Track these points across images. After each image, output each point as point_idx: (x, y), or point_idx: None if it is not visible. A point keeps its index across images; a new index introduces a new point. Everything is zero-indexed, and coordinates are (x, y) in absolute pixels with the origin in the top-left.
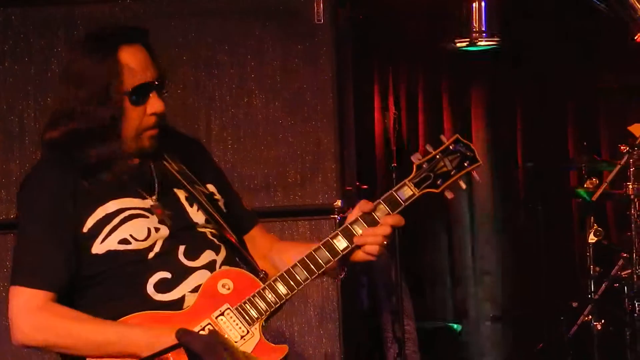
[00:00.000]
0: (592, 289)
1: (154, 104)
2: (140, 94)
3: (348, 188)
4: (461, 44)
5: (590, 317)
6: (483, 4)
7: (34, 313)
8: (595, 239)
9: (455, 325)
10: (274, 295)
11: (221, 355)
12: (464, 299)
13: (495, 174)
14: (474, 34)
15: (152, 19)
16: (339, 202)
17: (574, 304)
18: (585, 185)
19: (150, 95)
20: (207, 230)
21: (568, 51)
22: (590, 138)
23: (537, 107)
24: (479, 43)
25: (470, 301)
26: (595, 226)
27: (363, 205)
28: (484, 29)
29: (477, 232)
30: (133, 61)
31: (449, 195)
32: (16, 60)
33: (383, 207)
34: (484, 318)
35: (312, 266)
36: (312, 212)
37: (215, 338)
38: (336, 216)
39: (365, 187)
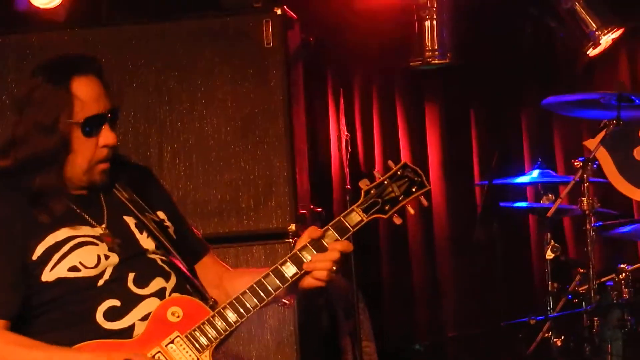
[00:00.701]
0: (551, 305)
1: (107, 136)
2: (92, 126)
3: (302, 211)
4: (415, 62)
5: (549, 333)
6: (435, 22)
7: None
8: (553, 255)
9: (416, 346)
10: (223, 323)
11: None
12: (423, 318)
13: (451, 190)
14: (427, 53)
15: (102, 46)
16: (293, 226)
17: (532, 321)
18: (541, 201)
19: (103, 127)
20: (157, 257)
21: (519, 66)
22: (545, 153)
23: (491, 123)
24: (433, 62)
25: (429, 320)
26: (552, 242)
27: (312, 232)
28: (436, 47)
29: (435, 250)
30: (85, 92)
31: (397, 220)
32: None
33: (332, 233)
34: (443, 337)
35: (262, 293)
36: (267, 236)
37: None
38: (291, 240)
39: (319, 210)
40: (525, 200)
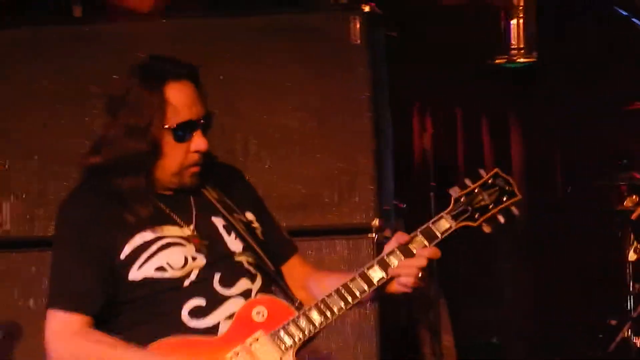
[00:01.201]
0: (632, 306)
1: (198, 142)
2: (184, 131)
3: (386, 207)
4: (500, 60)
5: (629, 333)
6: (521, 21)
7: (69, 338)
8: (636, 256)
9: (494, 339)
10: (308, 324)
11: None
12: (500, 313)
13: (533, 191)
14: (512, 51)
15: (187, 38)
16: (376, 221)
17: (613, 322)
18: (625, 203)
19: (195, 133)
20: (243, 259)
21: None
22: (630, 155)
23: (574, 125)
24: (518, 60)
25: (506, 316)
26: (636, 243)
27: (400, 237)
28: (522, 45)
29: (514, 249)
30: (179, 98)
31: (486, 229)
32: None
33: (420, 239)
34: (522, 335)
35: (348, 296)
36: (350, 231)
37: None
38: (374, 235)
39: (402, 205)
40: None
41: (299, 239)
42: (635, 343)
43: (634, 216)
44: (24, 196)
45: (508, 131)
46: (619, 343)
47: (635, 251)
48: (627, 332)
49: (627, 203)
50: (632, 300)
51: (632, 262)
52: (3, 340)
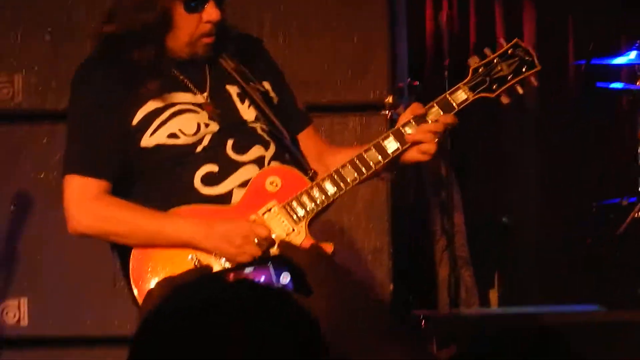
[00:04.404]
0: None
1: (210, 12)
2: (196, 1)
3: (399, 84)
4: None
5: None
6: None
7: (90, 201)
8: None
9: (503, 219)
10: (321, 195)
11: (326, 272)
12: (512, 193)
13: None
14: None
15: None
16: (390, 98)
17: (624, 202)
18: (637, 83)
19: (207, 3)
20: (257, 126)
21: None
22: None
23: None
24: None
25: (518, 196)
26: None
27: (415, 108)
28: None
29: (525, 129)
30: None
31: (504, 100)
32: None
33: (436, 110)
34: (532, 212)
35: (362, 167)
36: (363, 107)
37: (321, 253)
38: (387, 112)
39: (416, 83)
40: (619, 80)
41: (312, 115)
42: None
43: None
44: (36, 68)
45: (521, 8)
46: (629, 223)
47: None
48: (638, 213)
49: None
50: None
51: None
52: (14, 213)
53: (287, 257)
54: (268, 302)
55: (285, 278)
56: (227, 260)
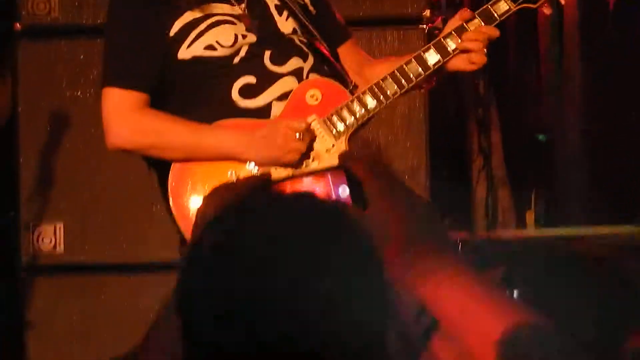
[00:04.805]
0: None
1: None
2: None
3: None
4: None
5: None
6: None
7: (130, 114)
8: None
9: (540, 136)
10: (362, 108)
11: (384, 184)
12: (551, 109)
13: None
14: None
15: None
16: (427, 12)
17: None
18: None
19: None
20: (295, 38)
21: None
22: None
23: None
24: None
25: (557, 112)
26: None
27: (456, 21)
28: None
29: (565, 45)
30: None
31: (547, 10)
32: None
33: (477, 22)
34: (571, 130)
35: (402, 79)
36: (401, 21)
37: (379, 164)
38: (425, 26)
39: None
40: None
41: (350, 28)
42: None
43: None
44: None
45: None
46: None
47: None
48: None
49: None
50: None
51: None
52: (51, 132)
53: (345, 168)
54: (334, 223)
55: (344, 191)
56: (275, 166)
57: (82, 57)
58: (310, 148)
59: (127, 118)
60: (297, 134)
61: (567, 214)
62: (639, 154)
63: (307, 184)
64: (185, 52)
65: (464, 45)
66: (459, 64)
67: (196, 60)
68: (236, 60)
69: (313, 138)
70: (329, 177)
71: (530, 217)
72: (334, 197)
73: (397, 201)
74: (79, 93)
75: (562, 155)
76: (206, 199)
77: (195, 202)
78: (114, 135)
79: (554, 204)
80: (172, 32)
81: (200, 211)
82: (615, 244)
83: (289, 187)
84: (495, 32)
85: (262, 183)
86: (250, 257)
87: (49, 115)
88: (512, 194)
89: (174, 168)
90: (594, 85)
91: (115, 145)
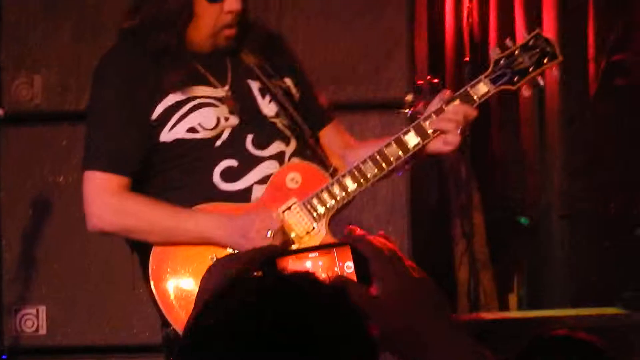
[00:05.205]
0: None
1: (231, 2)
2: None
3: (419, 82)
4: None
5: None
6: None
7: (111, 197)
8: None
9: (522, 219)
10: (342, 191)
11: (389, 263)
12: (532, 193)
13: (564, 65)
14: None
15: None
16: (410, 96)
17: None
18: None
19: None
20: (277, 121)
21: None
22: None
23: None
24: None
25: (539, 195)
26: None
27: (436, 102)
28: None
29: (546, 126)
30: None
31: (525, 92)
32: None
33: (457, 103)
34: (553, 213)
35: (382, 162)
36: (383, 106)
37: (386, 244)
38: (407, 110)
39: (436, 80)
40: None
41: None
42: None
43: None
44: (55, 68)
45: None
46: None
47: None
48: None
49: None
50: None
51: None
52: (33, 218)
53: (352, 245)
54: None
55: (349, 267)
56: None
57: (64, 142)
58: (291, 230)
59: (108, 201)
60: (269, 232)
61: (550, 296)
62: (619, 238)
63: (312, 259)
64: (167, 135)
65: (437, 125)
66: (435, 145)
67: (178, 142)
68: (218, 143)
69: (294, 222)
70: (335, 252)
71: (513, 299)
72: (338, 272)
73: (402, 281)
74: (61, 178)
75: (544, 238)
76: (209, 272)
77: (176, 286)
78: (96, 217)
79: (537, 286)
80: (154, 115)
81: (202, 283)
82: (598, 326)
83: (293, 261)
84: (472, 112)
85: (267, 256)
86: (250, 340)
87: (31, 199)
88: (494, 276)
89: (155, 251)
90: (574, 171)
91: (96, 227)
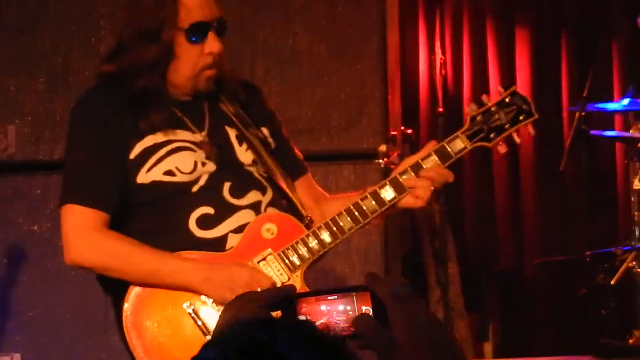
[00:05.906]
0: (637, 235)
1: (212, 44)
2: (197, 33)
3: (393, 132)
4: None
5: (634, 263)
6: None
7: (90, 233)
8: None
9: (499, 270)
10: (317, 243)
11: (407, 309)
12: (506, 243)
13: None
14: None
15: None
16: (383, 147)
17: (618, 251)
18: (630, 131)
19: (209, 34)
20: (254, 170)
21: None
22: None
23: (582, 49)
24: None
25: (512, 246)
26: None
27: (413, 158)
28: None
29: (520, 175)
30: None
31: (502, 149)
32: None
33: (434, 159)
34: (526, 263)
35: (358, 215)
36: (357, 156)
37: (407, 290)
38: (381, 161)
39: (409, 131)
40: (612, 128)
41: (306, 163)
42: (639, 272)
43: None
44: (29, 118)
45: (513, 53)
46: (623, 273)
47: None
48: (631, 262)
49: (633, 130)
50: (636, 230)
51: (637, 190)
52: (7, 265)
53: (370, 289)
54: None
55: (368, 311)
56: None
57: (38, 192)
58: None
59: (87, 236)
60: (259, 289)
61: (525, 344)
62: (595, 287)
63: (331, 302)
64: (144, 177)
65: (409, 183)
66: (405, 199)
67: (155, 185)
68: (195, 188)
69: (268, 272)
70: (354, 296)
71: (488, 348)
72: (357, 314)
73: (418, 328)
74: (35, 227)
75: (519, 286)
76: (227, 309)
77: (151, 333)
78: (74, 252)
79: (512, 334)
80: (132, 155)
81: (220, 320)
82: None
83: (311, 304)
84: (449, 177)
85: (286, 297)
86: None
87: (5, 248)
88: (469, 325)
89: (130, 298)
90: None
91: (74, 261)
